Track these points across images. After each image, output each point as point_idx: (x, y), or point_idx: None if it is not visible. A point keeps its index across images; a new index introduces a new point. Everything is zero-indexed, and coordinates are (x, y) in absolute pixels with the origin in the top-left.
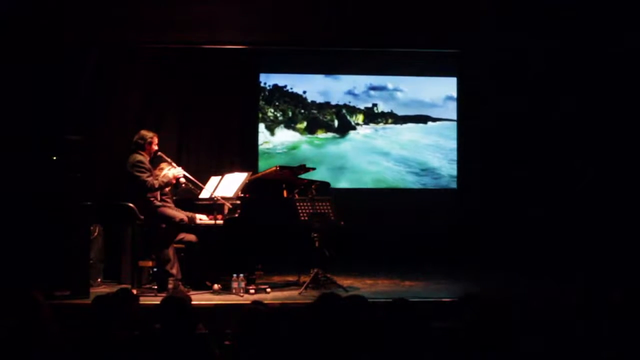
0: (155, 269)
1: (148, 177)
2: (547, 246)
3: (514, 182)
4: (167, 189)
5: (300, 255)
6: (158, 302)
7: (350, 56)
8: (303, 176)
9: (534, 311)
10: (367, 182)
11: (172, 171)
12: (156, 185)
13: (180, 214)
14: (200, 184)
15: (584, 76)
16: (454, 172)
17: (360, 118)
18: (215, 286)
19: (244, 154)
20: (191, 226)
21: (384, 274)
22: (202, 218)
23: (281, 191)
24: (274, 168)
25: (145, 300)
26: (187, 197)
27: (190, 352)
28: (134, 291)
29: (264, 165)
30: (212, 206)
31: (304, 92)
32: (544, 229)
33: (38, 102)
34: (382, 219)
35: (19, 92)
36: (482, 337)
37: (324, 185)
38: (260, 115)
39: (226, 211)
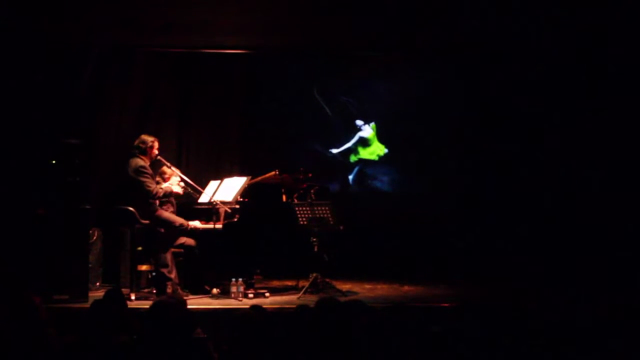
0: (154, 273)
1: (151, 183)
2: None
3: (512, 188)
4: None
5: (299, 259)
6: None
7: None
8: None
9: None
10: None
11: (175, 187)
12: (160, 194)
13: (180, 219)
14: (199, 188)
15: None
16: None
17: None
18: (214, 290)
19: (243, 158)
20: (190, 230)
21: (383, 278)
22: (195, 225)
23: (280, 195)
24: (273, 172)
25: (144, 304)
26: (186, 201)
27: (188, 356)
28: (132, 295)
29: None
30: (210, 210)
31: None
32: (543, 232)
33: (37, 105)
34: (382, 223)
35: (19, 95)
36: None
37: (323, 190)
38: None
39: (223, 215)
